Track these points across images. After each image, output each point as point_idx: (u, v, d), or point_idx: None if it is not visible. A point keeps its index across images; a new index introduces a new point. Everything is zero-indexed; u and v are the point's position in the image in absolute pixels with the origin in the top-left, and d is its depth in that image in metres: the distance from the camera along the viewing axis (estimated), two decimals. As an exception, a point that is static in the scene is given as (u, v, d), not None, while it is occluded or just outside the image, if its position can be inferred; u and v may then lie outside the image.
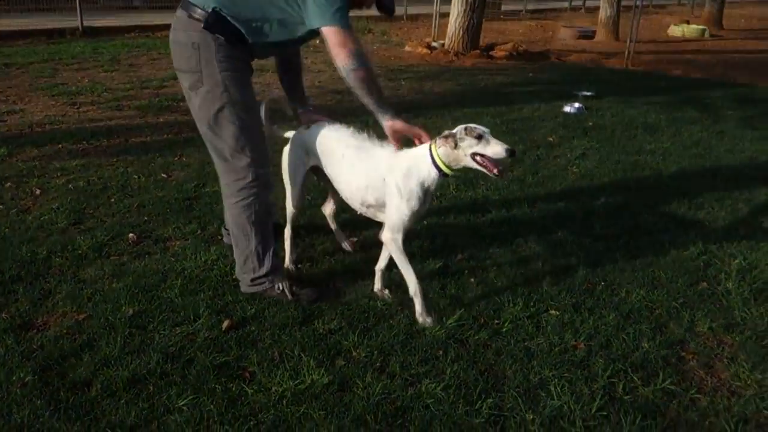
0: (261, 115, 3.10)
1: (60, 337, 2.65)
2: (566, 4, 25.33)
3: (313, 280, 3.22)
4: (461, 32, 11.70)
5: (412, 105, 7.43)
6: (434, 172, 2.76)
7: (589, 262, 3.52)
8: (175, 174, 4.70)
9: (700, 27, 17.47)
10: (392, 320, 2.88)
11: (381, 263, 3.13)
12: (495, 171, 2.65)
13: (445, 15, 12.73)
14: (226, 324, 2.79)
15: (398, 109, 7.24)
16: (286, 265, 3.31)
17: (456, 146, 2.69)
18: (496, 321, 2.91)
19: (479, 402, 2.37)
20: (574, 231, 3.95)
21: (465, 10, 11.55)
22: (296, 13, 2.74)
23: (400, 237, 2.85)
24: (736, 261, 3.63)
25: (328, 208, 3.66)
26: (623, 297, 3.19)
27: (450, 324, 2.85)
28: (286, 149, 3.27)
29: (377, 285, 3.14)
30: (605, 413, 2.36)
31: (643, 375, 2.60)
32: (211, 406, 2.30)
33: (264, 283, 3.03)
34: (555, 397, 2.42)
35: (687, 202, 4.52)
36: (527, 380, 2.52)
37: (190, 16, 2.71)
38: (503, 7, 20.54)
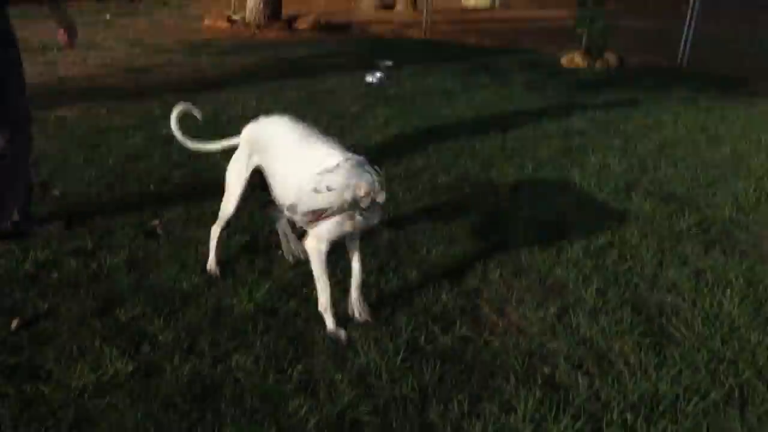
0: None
1: None
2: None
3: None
4: (261, 4, 11.52)
5: (214, 81, 7.23)
6: None
7: (391, 225, 3.69)
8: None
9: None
10: (199, 300, 2.84)
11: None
12: None
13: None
14: (15, 323, 2.59)
15: (199, 86, 7.02)
16: (209, 268, 3.10)
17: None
18: (305, 290, 2.97)
19: (289, 369, 2.42)
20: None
21: (264, -19, 11.38)
22: None
23: (323, 247, 2.64)
24: (522, 211, 3.99)
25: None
26: (424, 255, 3.39)
27: (259, 297, 2.87)
28: None
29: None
30: (409, 364, 2.51)
31: (443, 325, 2.79)
32: (3, 411, 2.13)
33: None
34: (362, 356, 2.53)
35: (480, 162, 4.87)
36: (335, 343, 2.61)
37: None
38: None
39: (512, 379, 2.47)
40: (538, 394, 2.38)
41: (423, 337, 2.69)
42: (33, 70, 7.19)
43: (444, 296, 3.01)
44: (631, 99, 7.23)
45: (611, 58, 9.34)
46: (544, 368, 2.56)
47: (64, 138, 4.90)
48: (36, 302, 2.75)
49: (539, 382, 2.47)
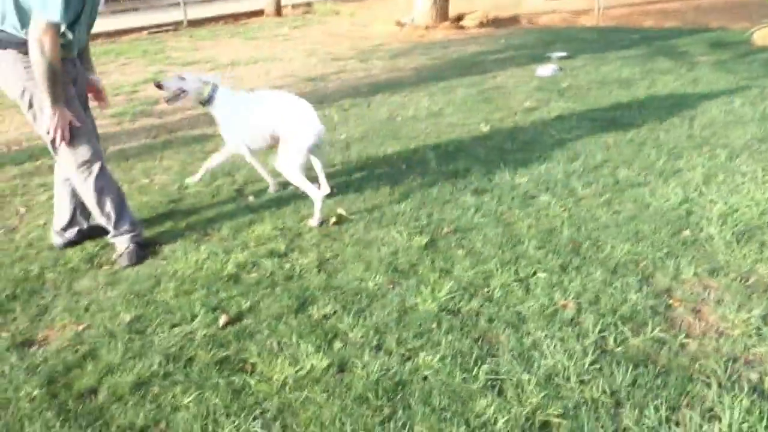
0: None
1: (62, 349, 2.69)
2: (533, -34, 25.19)
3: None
4: (429, 5, 11.67)
5: (386, 84, 7.44)
6: None
7: (573, 223, 3.59)
8: (156, 178, 4.72)
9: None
10: (384, 299, 2.94)
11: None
12: None
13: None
14: (223, 320, 2.84)
15: (373, 90, 7.26)
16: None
17: None
18: (486, 289, 2.98)
19: (476, 368, 2.43)
20: (555, 193, 4.01)
21: (431, -17, 11.52)
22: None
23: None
24: (717, 206, 3.70)
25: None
26: (608, 253, 3.26)
27: (441, 296, 2.91)
28: None
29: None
30: (598, 366, 2.43)
31: (633, 326, 2.67)
32: (216, 400, 2.35)
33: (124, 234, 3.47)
34: (549, 357, 2.49)
35: (665, 153, 4.58)
36: (521, 343, 2.59)
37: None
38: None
39: (714, 385, 2.30)
40: (745, 402, 2.20)
41: (612, 339, 2.58)
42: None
43: (632, 296, 2.87)
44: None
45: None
46: (750, 374, 2.36)
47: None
48: (239, 300, 3.00)
49: (745, 389, 2.28)
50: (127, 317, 2.90)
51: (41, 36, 2.88)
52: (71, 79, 3.25)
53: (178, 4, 14.75)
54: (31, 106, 3.16)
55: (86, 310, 2.99)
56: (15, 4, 2.97)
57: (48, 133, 3.12)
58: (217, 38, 12.29)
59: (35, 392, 2.43)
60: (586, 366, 2.43)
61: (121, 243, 3.45)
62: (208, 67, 9.11)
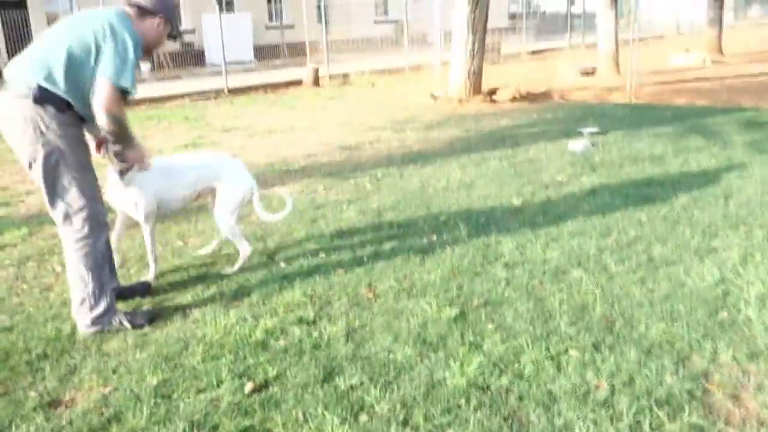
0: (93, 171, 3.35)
1: (88, 412, 2.68)
2: (565, 43, 25.74)
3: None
4: (463, 79, 11.91)
5: (419, 155, 7.54)
6: None
7: (605, 299, 3.53)
8: (191, 241, 4.79)
9: (701, 54, 17.64)
10: (413, 372, 2.90)
11: None
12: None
13: (448, 63, 13.00)
14: (249, 387, 2.82)
15: (406, 161, 7.35)
16: None
17: None
18: (517, 365, 2.92)
19: (505, 449, 2.37)
20: (588, 268, 3.96)
21: (466, 57, 11.79)
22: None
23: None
24: (755, 287, 3.62)
25: None
26: (643, 332, 3.19)
27: (470, 371, 2.86)
28: None
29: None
30: (633, 452, 2.34)
31: (669, 410, 2.58)
32: (239, 472, 2.32)
33: (103, 321, 3.35)
34: (581, 439, 2.41)
35: (700, 231, 4.53)
36: (552, 424, 2.51)
37: (16, 95, 3.03)
38: (503, 51, 20.88)
39: (756, 479, 2.20)
40: (789, 498, 2.10)
41: (647, 424, 2.50)
42: (259, 152, 8.04)
43: (668, 378, 2.79)
44: None
45: None
46: (795, 468, 2.26)
47: (288, 213, 5.35)
48: (266, 368, 2.98)
49: (790, 484, 2.17)
50: (154, 381, 2.89)
51: (115, 100, 3.04)
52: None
53: (220, 72, 15.27)
54: (30, 167, 3.15)
55: (114, 371, 3.00)
56: (67, 61, 3.04)
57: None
58: (256, 106, 12.65)
59: (59, 455, 2.42)
60: (621, 451, 2.35)
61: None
62: (246, 134, 9.35)
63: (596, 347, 3.05)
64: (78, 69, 3.07)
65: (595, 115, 9.86)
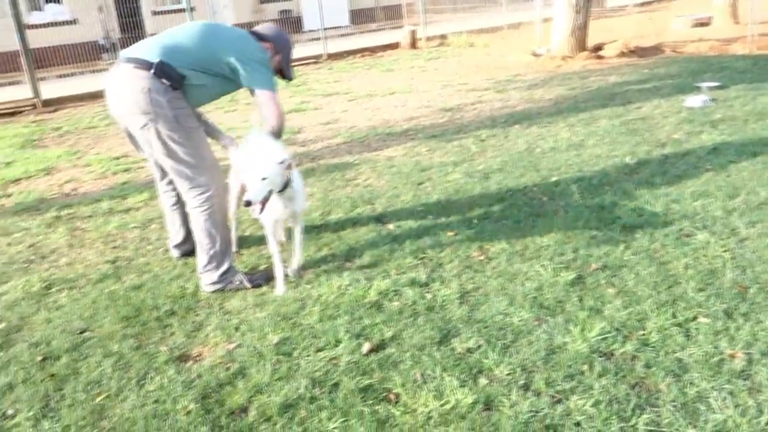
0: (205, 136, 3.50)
1: (215, 366, 2.80)
2: (676, -7, 24.21)
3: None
4: (567, 35, 11.44)
5: (524, 115, 7.33)
6: None
7: (737, 264, 3.32)
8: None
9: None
10: (531, 336, 2.83)
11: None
12: None
13: (548, 19, 12.52)
14: (366, 347, 2.85)
15: (510, 121, 7.17)
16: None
17: None
18: (642, 332, 2.79)
19: (634, 418, 2.28)
20: (715, 231, 3.73)
21: (570, 12, 11.30)
22: (228, 73, 3.37)
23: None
24: None
25: None
26: (779, 299, 2.98)
27: (592, 337, 2.77)
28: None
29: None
30: (776, 426, 2.20)
31: (814, 383, 2.40)
32: (362, 429, 2.34)
33: (227, 278, 3.48)
34: (717, 411, 2.28)
35: (840, 192, 4.17)
36: (683, 394, 2.39)
37: (137, 67, 3.21)
38: (608, 4, 19.88)
39: None
40: None
41: (790, 396, 2.34)
42: (361, 116, 8.06)
43: (812, 349, 2.59)
44: None
45: None
46: None
47: (394, 176, 5.35)
48: (381, 328, 3.00)
49: None
50: (275, 338, 2.97)
51: (277, 102, 3.46)
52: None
53: (317, 38, 15.37)
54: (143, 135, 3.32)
55: (236, 329, 3.10)
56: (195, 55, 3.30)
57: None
58: (355, 70, 12.67)
59: (191, 406, 2.53)
60: (762, 425, 2.20)
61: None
62: (347, 98, 9.39)
63: (729, 314, 2.88)
64: (203, 65, 3.30)
65: (714, 68, 9.24)
